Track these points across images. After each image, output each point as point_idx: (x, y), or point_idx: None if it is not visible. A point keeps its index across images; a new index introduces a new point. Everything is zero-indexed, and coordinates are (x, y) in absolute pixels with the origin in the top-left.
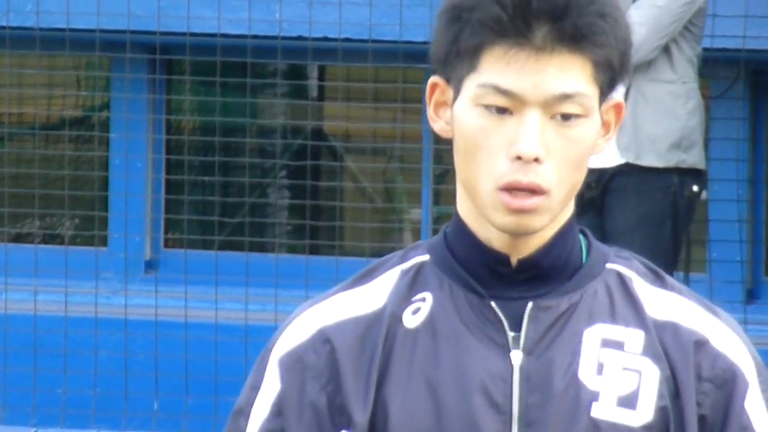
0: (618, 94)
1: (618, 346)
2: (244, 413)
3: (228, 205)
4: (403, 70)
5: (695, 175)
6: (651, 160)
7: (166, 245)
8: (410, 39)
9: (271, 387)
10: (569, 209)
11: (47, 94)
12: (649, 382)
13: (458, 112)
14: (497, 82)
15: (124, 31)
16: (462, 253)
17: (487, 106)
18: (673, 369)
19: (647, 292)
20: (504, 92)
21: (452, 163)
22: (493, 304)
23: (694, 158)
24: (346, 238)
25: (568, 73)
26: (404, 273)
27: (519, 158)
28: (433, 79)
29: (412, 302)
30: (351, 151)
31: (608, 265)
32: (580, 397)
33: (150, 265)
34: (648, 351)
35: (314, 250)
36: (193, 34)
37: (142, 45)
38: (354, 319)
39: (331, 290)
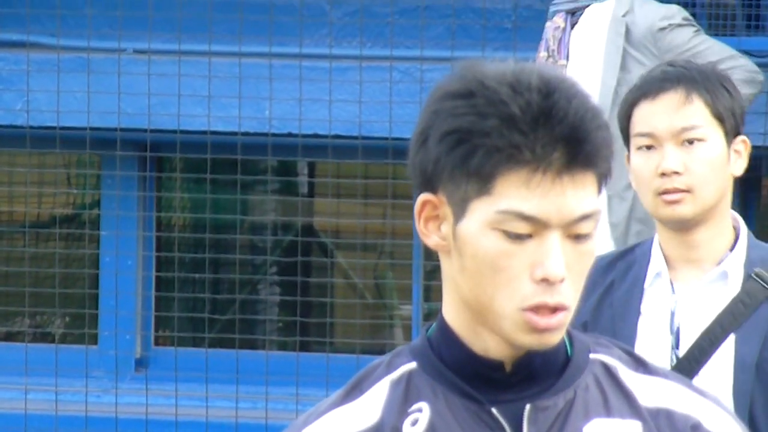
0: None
1: None
2: None
3: (218, 302)
4: (393, 167)
5: None
6: None
7: (157, 343)
8: (400, 135)
9: None
10: None
11: (37, 192)
12: None
13: (468, 233)
14: (521, 208)
15: (114, 129)
16: (453, 361)
17: (507, 232)
18: None
19: (634, 381)
20: (528, 218)
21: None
22: (494, 410)
23: None
24: (336, 334)
25: (584, 193)
26: (394, 384)
27: (545, 280)
28: (425, 196)
29: (409, 414)
30: (341, 247)
31: (592, 356)
32: None
33: (140, 363)
34: None
35: (305, 347)
36: (183, 132)
37: (132, 142)
38: None
39: (321, 407)
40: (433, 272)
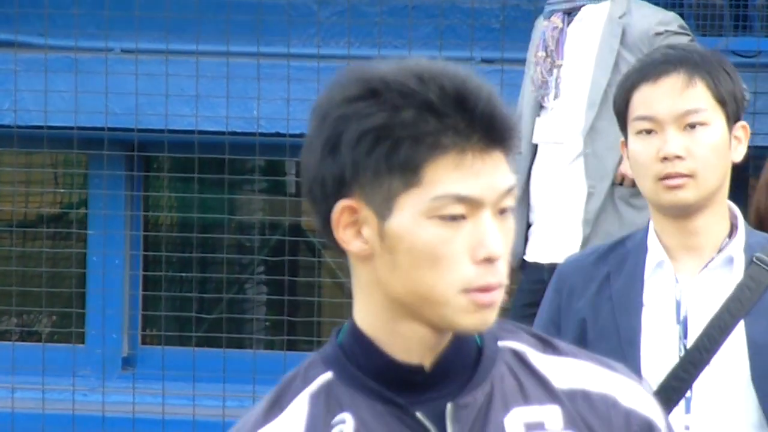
0: None
1: (540, 426)
2: None
3: (205, 301)
4: None
5: None
6: None
7: (144, 342)
8: None
9: None
10: None
11: (25, 191)
12: None
13: (401, 228)
14: (457, 191)
15: (101, 129)
16: (370, 368)
17: (443, 217)
18: None
19: (545, 364)
20: (463, 199)
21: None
22: (418, 414)
23: None
24: (324, 333)
25: (503, 168)
26: (313, 397)
27: (487, 260)
28: (343, 203)
29: (333, 426)
30: (328, 246)
31: (500, 343)
32: None
33: (127, 362)
34: (568, 424)
35: (292, 346)
36: (170, 131)
37: (119, 142)
38: None
39: (245, 427)
40: None
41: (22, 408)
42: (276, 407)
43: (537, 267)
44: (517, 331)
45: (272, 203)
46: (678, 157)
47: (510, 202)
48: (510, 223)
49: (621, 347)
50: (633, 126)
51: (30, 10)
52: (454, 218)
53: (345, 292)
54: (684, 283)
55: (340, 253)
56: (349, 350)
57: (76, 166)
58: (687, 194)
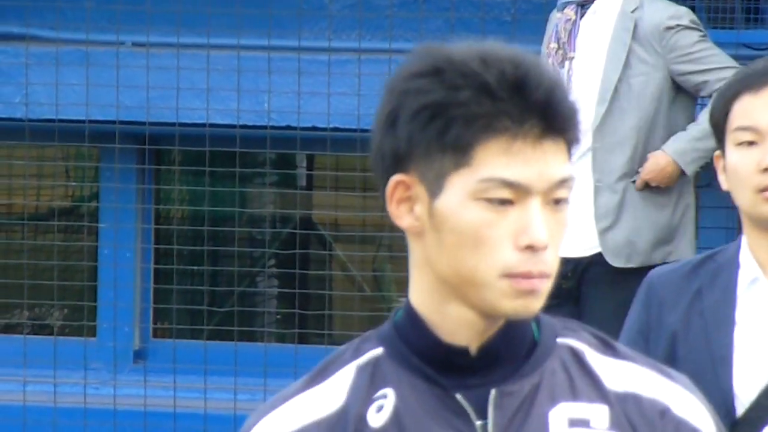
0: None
1: (584, 423)
2: None
3: (217, 294)
4: None
5: None
6: (639, 261)
7: (155, 335)
8: None
9: None
10: None
11: (36, 184)
12: None
13: (448, 208)
14: (503, 175)
15: (113, 122)
16: (419, 346)
17: (490, 200)
18: None
19: (602, 364)
20: (510, 185)
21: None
22: (458, 396)
23: (681, 252)
24: (335, 326)
25: (561, 158)
26: (360, 369)
27: (530, 247)
28: (397, 177)
29: (374, 400)
30: (340, 239)
31: (559, 340)
32: None
33: (139, 355)
34: (614, 425)
35: (303, 339)
36: (182, 125)
37: (131, 135)
38: (316, 423)
39: (286, 392)
40: None
41: (33, 401)
42: (321, 376)
43: None
44: (579, 331)
45: (283, 196)
46: None
47: (564, 193)
48: (564, 215)
49: (712, 364)
50: (733, 137)
51: (41, 3)
52: (501, 202)
53: (356, 285)
54: None
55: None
56: (401, 328)
57: (87, 160)
58: None
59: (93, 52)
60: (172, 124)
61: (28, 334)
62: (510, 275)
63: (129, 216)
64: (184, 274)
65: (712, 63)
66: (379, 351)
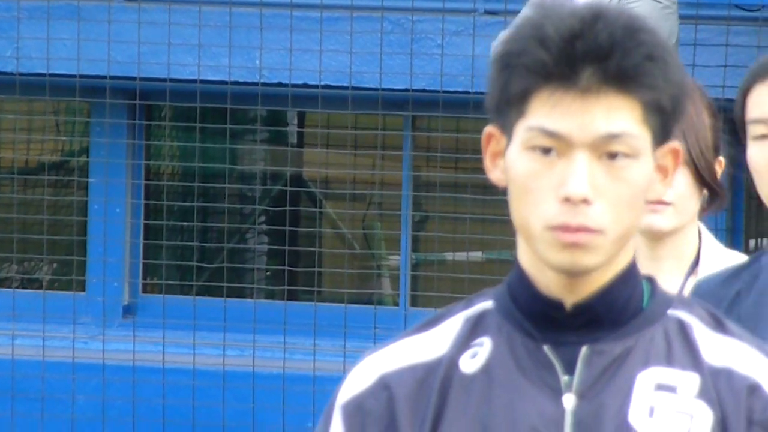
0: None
1: (671, 389)
2: None
3: (206, 251)
4: (383, 117)
5: None
6: None
7: (145, 290)
8: (390, 86)
9: None
10: (628, 253)
11: (26, 138)
12: (700, 425)
13: (510, 158)
14: (543, 124)
15: (104, 77)
16: (521, 300)
17: (534, 148)
18: (724, 413)
19: (706, 338)
20: (550, 134)
21: (432, 210)
22: (545, 348)
23: None
24: (324, 284)
25: (615, 114)
26: (468, 319)
27: (568, 200)
28: (488, 128)
29: (470, 347)
30: (330, 197)
31: (670, 312)
32: None
33: (128, 310)
34: (702, 395)
35: (292, 296)
36: (173, 80)
37: (122, 90)
38: (413, 366)
39: (398, 336)
40: (421, 223)
41: (22, 355)
42: (432, 323)
43: None
44: (694, 306)
45: (274, 153)
46: None
47: (621, 147)
48: (626, 171)
49: None
50: (750, 131)
51: None
52: (544, 151)
53: (346, 243)
54: None
55: None
56: (511, 284)
57: (78, 114)
58: None
59: (84, 7)
60: (164, 80)
61: (17, 288)
62: (552, 227)
63: (119, 171)
64: (174, 230)
65: None
66: (488, 304)
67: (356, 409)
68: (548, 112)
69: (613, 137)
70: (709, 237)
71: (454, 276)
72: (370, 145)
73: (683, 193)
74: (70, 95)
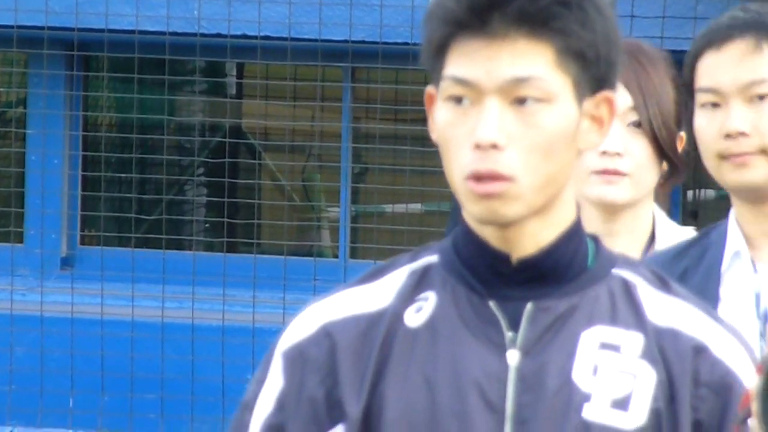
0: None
1: (615, 348)
2: (249, 407)
3: (145, 203)
4: (322, 69)
5: None
6: None
7: (83, 242)
8: (329, 38)
9: (274, 381)
10: (571, 210)
11: None
12: (643, 385)
13: (435, 112)
14: (455, 72)
15: (41, 28)
16: (466, 254)
17: (450, 98)
18: (669, 373)
19: (650, 297)
20: (461, 81)
21: (372, 162)
22: (491, 303)
23: None
24: (263, 236)
25: (523, 58)
26: (413, 273)
27: (478, 146)
28: (428, 88)
29: (415, 301)
30: (269, 149)
31: (614, 271)
32: (572, 398)
33: (66, 262)
34: (646, 354)
35: (232, 248)
36: (111, 31)
37: (59, 41)
38: (357, 317)
39: (341, 286)
40: (361, 175)
41: None
42: (376, 275)
43: None
44: (638, 266)
45: (213, 105)
46: (742, 133)
47: (530, 92)
48: (537, 117)
49: None
50: (697, 99)
51: None
52: (457, 100)
53: (285, 195)
54: (764, 273)
55: None
56: (456, 238)
57: (15, 65)
58: (753, 174)
59: None
60: (101, 30)
61: None
62: (466, 177)
63: (57, 122)
64: (112, 181)
65: None
66: (434, 258)
67: (297, 356)
68: (459, 60)
69: (520, 81)
70: (661, 213)
71: (393, 228)
72: (309, 96)
73: (641, 163)
74: (7, 46)
